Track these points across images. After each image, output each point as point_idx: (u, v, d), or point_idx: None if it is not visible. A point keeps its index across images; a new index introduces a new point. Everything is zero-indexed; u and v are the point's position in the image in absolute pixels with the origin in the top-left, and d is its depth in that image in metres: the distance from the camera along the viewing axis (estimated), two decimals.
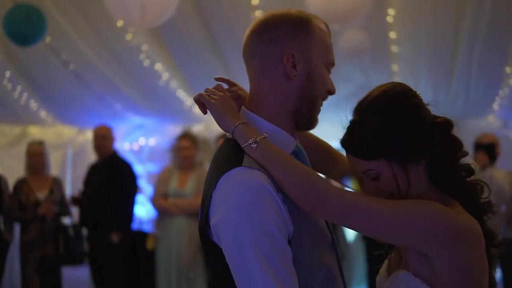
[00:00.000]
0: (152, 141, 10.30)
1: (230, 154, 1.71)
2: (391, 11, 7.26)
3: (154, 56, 8.05)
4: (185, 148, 6.42)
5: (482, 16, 7.02)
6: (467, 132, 7.38)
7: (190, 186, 6.31)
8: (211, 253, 1.70)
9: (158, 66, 8.27)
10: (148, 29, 7.26)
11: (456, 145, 1.88)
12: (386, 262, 1.96)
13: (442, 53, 7.91)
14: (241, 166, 1.64)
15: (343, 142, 1.86)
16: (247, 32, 1.82)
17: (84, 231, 6.85)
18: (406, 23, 7.42)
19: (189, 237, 6.17)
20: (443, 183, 1.81)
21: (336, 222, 1.73)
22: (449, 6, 7.14)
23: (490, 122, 9.29)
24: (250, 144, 1.68)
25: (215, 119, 1.77)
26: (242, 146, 1.70)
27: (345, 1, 5.94)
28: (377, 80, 8.50)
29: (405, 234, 1.68)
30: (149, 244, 6.45)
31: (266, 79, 1.78)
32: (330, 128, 9.65)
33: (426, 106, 1.89)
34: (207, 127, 9.63)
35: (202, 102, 1.79)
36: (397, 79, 8.39)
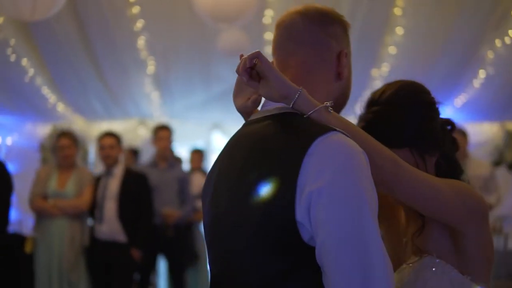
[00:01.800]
0: (9, 140, 9.77)
1: (302, 122, 1.56)
2: (268, 12, 7.40)
3: (21, 51, 7.68)
4: (65, 147, 6.16)
5: (354, 22, 7.35)
6: None
7: (71, 186, 6.06)
8: (278, 244, 1.49)
9: (24, 62, 7.89)
10: (17, 23, 6.93)
11: (455, 141, 2.00)
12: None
13: None
14: (334, 130, 1.50)
15: (370, 129, 1.84)
16: (296, 15, 1.72)
17: None
18: None
19: (71, 239, 5.93)
20: (448, 175, 1.89)
21: (401, 192, 1.68)
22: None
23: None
24: (326, 107, 1.58)
25: (275, 84, 1.59)
26: (312, 111, 1.58)
27: (232, 0, 5.99)
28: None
29: (452, 210, 1.73)
30: (28, 248, 6.11)
31: (319, 71, 1.70)
32: (200, 126, 9.79)
33: None
34: (69, 126, 9.32)
35: (253, 68, 1.62)
36: None
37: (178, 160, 7.57)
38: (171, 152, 6.85)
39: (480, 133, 9.90)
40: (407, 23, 7.69)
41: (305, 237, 1.45)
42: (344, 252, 1.39)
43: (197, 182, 6.93)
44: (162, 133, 6.56)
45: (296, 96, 1.58)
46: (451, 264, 1.81)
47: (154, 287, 7.12)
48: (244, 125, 1.76)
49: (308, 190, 1.42)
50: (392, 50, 8.12)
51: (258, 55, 1.60)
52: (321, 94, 1.67)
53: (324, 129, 1.50)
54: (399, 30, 7.78)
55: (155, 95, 9.08)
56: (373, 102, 1.97)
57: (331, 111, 1.59)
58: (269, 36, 7.80)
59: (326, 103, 1.59)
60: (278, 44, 1.75)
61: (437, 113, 1.97)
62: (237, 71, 1.66)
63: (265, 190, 1.49)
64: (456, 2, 7.42)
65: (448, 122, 2.00)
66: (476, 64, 8.59)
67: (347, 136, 1.50)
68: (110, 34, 7.51)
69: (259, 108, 1.81)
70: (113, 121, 9.61)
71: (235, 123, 9.45)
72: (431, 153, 1.92)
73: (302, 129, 1.53)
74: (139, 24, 7.42)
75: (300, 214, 1.43)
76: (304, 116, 1.58)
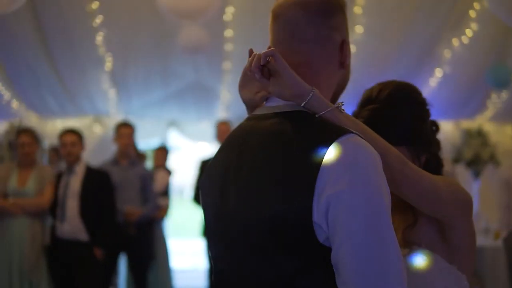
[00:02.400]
0: None
1: (317, 123, 1.56)
2: (229, 9, 7.40)
3: None
4: (25, 144, 6.03)
5: None
6: None
7: (31, 184, 5.94)
8: (292, 243, 1.48)
9: None
10: None
11: (439, 142, 2.10)
12: None
13: None
14: (351, 132, 1.50)
15: (370, 123, 1.88)
16: (296, 8, 1.66)
17: None
18: (244, 22, 7.59)
19: (32, 238, 5.81)
20: (436, 173, 1.96)
21: (407, 190, 1.72)
22: None
23: None
24: (338, 107, 1.58)
25: (289, 83, 1.58)
26: (324, 112, 1.57)
27: None
28: (207, 77, 8.67)
29: (446, 206, 1.80)
30: None
31: (323, 66, 1.67)
32: (156, 124, 9.68)
33: None
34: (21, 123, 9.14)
35: (265, 65, 1.61)
36: (228, 77, 8.57)
37: (142, 157, 7.49)
38: (134, 149, 6.77)
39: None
40: (367, 22, 7.79)
41: (321, 237, 1.45)
42: (363, 256, 1.39)
43: (161, 180, 6.87)
44: (124, 130, 6.48)
45: (310, 96, 1.57)
46: (439, 255, 1.88)
47: (115, 287, 7.03)
48: (249, 119, 1.72)
49: (327, 193, 1.41)
50: (352, 48, 8.19)
51: (273, 53, 1.58)
52: (324, 86, 1.67)
53: (341, 131, 1.49)
54: (359, 29, 7.87)
55: (112, 92, 8.97)
56: (370, 100, 2.01)
57: (343, 111, 1.60)
58: (229, 33, 7.81)
59: (338, 104, 1.60)
60: (279, 39, 1.69)
61: (428, 114, 2.05)
62: (248, 67, 1.65)
63: (282, 191, 1.48)
64: (415, 2, 7.56)
65: (434, 123, 2.09)
66: (433, 63, 8.76)
67: (362, 137, 1.50)
68: (68, 29, 7.40)
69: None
70: (68, 118, 9.45)
71: (192, 120, 9.43)
72: (424, 151, 2.00)
73: (318, 130, 1.52)
74: (98, 20, 7.34)
75: (317, 216, 1.43)
76: (316, 115, 1.58)
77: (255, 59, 1.60)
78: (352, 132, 1.49)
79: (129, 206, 6.24)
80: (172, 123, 9.84)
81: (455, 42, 8.33)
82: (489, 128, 9.70)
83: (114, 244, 6.14)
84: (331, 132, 1.49)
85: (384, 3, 7.61)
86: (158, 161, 7.19)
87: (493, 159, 8.68)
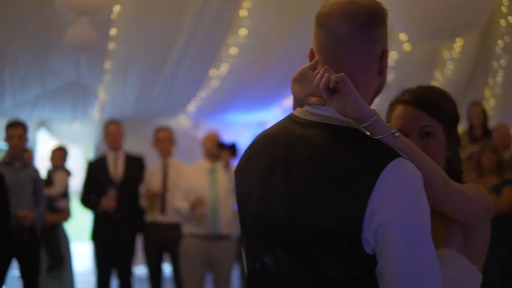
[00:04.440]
0: None
1: (369, 144, 1.63)
2: (116, 8, 7.25)
3: None
4: None
5: (200, 23, 7.47)
6: None
7: None
8: (339, 251, 1.58)
9: None
10: None
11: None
12: None
13: (157, 53, 8.15)
14: (400, 156, 1.58)
15: (418, 98, 2.05)
16: (343, 20, 1.69)
17: None
18: (129, 21, 7.48)
19: None
20: (457, 171, 2.11)
21: (448, 207, 1.85)
22: (172, 11, 7.42)
23: (180, 122, 9.76)
24: (393, 133, 1.64)
25: (354, 106, 1.61)
26: (383, 135, 1.63)
27: None
28: (88, 76, 8.44)
29: (477, 215, 1.94)
30: None
31: (364, 78, 1.72)
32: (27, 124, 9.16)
33: None
34: None
35: (333, 86, 1.63)
36: (109, 76, 8.41)
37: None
38: (26, 150, 6.43)
39: None
40: (251, 25, 7.94)
41: (367, 250, 1.56)
42: (408, 276, 1.52)
43: (60, 181, 6.60)
44: (13, 131, 6.14)
45: (371, 121, 1.63)
46: (465, 256, 2.03)
47: None
48: (295, 122, 1.76)
49: (379, 218, 1.52)
50: (233, 51, 8.32)
51: (343, 79, 1.61)
52: (363, 95, 1.70)
53: (392, 155, 1.58)
54: (243, 31, 8.01)
55: None
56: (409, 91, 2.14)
57: (398, 135, 1.66)
58: (114, 32, 7.65)
59: (394, 129, 1.66)
60: (323, 47, 1.74)
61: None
62: (318, 81, 1.66)
63: (333, 207, 1.56)
64: (298, 7, 7.80)
65: None
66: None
67: (409, 161, 1.60)
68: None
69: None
70: None
71: (65, 121, 9.06)
72: (454, 144, 2.12)
73: (371, 152, 1.60)
74: None
75: (366, 233, 1.54)
76: (374, 137, 1.65)
77: (324, 80, 1.63)
78: (401, 156, 1.58)
79: (22, 210, 5.92)
80: (42, 124, 9.45)
81: None
82: None
83: (7, 250, 5.81)
84: (383, 155, 1.58)
85: (269, 7, 7.79)
86: (56, 162, 6.88)
87: None
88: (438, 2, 4.42)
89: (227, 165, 6.46)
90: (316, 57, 1.75)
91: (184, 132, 9.49)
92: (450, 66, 9.58)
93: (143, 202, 6.69)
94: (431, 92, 2.11)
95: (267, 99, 9.72)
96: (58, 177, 6.70)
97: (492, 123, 7.86)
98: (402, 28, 4.98)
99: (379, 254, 1.53)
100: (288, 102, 9.85)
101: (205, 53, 8.20)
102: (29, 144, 7.63)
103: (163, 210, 6.64)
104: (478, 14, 4.71)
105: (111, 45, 7.84)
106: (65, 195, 6.66)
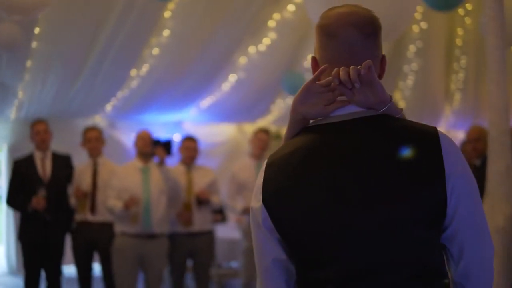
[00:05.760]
0: None
1: (409, 124, 1.80)
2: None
3: None
4: None
5: (125, 23, 7.50)
6: (78, 132, 7.68)
7: None
8: (429, 222, 1.74)
9: None
10: None
11: None
12: None
13: (78, 52, 8.09)
14: (435, 127, 1.81)
15: None
16: (352, 29, 1.83)
17: None
18: (53, 20, 7.40)
19: None
20: None
21: None
22: (96, 11, 7.41)
23: (97, 122, 9.69)
24: (402, 113, 1.86)
25: (378, 91, 1.79)
26: (400, 115, 1.84)
27: None
28: (8, 75, 8.25)
29: None
30: None
31: None
32: None
33: None
34: None
35: (362, 75, 1.77)
36: (28, 75, 8.27)
37: None
38: None
39: (219, 133, 10.66)
40: (174, 26, 8.03)
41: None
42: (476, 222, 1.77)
43: None
44: None
45: (390, 103, 1.83)
46: None
47: None
48: (328, 131, 1.84)
49: (451, 171, 1.73)
50: (155, 51, 8.39)
51: (370, 65, 1.76)
52: None
53: (432, 126, 1.81)
54: (166, 32, 8.10)
55: None
56: None
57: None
58: (37, 30, 7.55)
59: (401, 108, 1.89)
60: (337, 57, 1.85)
61: None
62: (346, 79, 1.77)
63: (415, 183, 1.72)
64: (221, 11, 7.98)
65: None
66: (229, 68, 9.26)
67: None
68: None
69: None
70: None
71: None
72: None
73: (416, 127, 1.80)
74: None
75: (448, 197, 1.73)
76: (397, 116, 1.84)
77: (352, 72, 1.76)
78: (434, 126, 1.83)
79: None
80: None
81: (251, 49, 8.93)
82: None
83: None
84: (428, 128, 1.79)
85: (193, 9, 7.90)
86: None
87: None
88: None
89: (162, 163, 6.48)
90: (323, 66, 1.84)
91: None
92: None
93: (73, 201, 6.67)
94: None
95: (185, 99, 9.82)
96: None
97: None
98: None
99: (452, 213, 1.73)
100: (205, 103, 10.01)
101: (127, 53, 8.22)
102: None
103: (93, 209, 6.63)
104: (399, 23, 5.02)
105: (34, 44, 7.72)
106: None
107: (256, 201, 1.85)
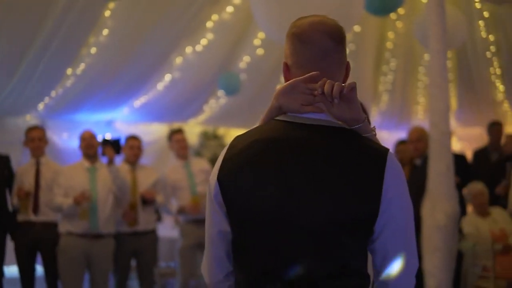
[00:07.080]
0: None
1: (366, 140, 1.97)
2: None
3: None
4: None
5: (64, 22, 7.44)
6: (8, 130, 7.60)
7: None
8: (357, 230, 1.88)
9: None
10: None
11: None
12: None
13: (16, 50, 7.92)
14: (388, 149, 1.97)
15: None
16: (325, 36, 1.98)
17: None
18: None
19: None
20: None
21: None
22: (36, 10, 7.31)
23: (27, 121, 9.51)
24: (373, 133, 2.02)
25: (355, 109, 1.94)
26: (369, 134, 2.00)
27: None
28: None
29: None
30: None
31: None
32: None
33: None
34: None
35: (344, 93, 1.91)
36: None
37: None
38: None
39: (151, 132, 10.65)
40: (113, 25, 7.99)
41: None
42: (406, 237, 1.94)
43: None
44: None
45: (363, 123, 1.98)
46: None
47: None
48: (288, 126, 1.99)
49: (389, 196, 1.88)
50: (93, 50, 8.32)
51: (354, 86, 1.93)
52: None
53: (385, 148, 1.98)
54: (105, 31, 8.05)
55: None
56: None
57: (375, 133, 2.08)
58: None
59: (373, 128, 2.07)
60: (308, 59, 2.00)
61: None
62: (328, 92, 1.91)
63: (357, 196, 1.86)
64: (160, 11, 8.00)
65: None
66: (164, 68, 9.30)
67: None
68: None
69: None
70: None
71: None
72: None
73: (372, 147, 1.96)
74: None
75: (381, 210, 1.88)
76: (363, 135, 1.99)
77: (336, 88, 1.90)
78: (388, 148, 1.99)
79: None
80: None
81: (188, 50, 9.00)
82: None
83: None
84: (382, 148, 1.97)
85: (133, 9, 7.89)
86: None
87: None
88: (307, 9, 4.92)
89: (111, 162, 6.46)
90: (293, 71, 2.02)
91: None
92: None
93: (15, 201, 6.56)
94: None
95: (119, 99, 9.78)
96: None
97: None
98: (272, 34, 5.43)
99: (379, 231, 1.88)
100: (138, 102, 10.00)
101: (65, 52, 8.11)
102: None
103: (36, 209, 6.55)
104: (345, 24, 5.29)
105: None
106: None
107: (213, 176, 1.99)
